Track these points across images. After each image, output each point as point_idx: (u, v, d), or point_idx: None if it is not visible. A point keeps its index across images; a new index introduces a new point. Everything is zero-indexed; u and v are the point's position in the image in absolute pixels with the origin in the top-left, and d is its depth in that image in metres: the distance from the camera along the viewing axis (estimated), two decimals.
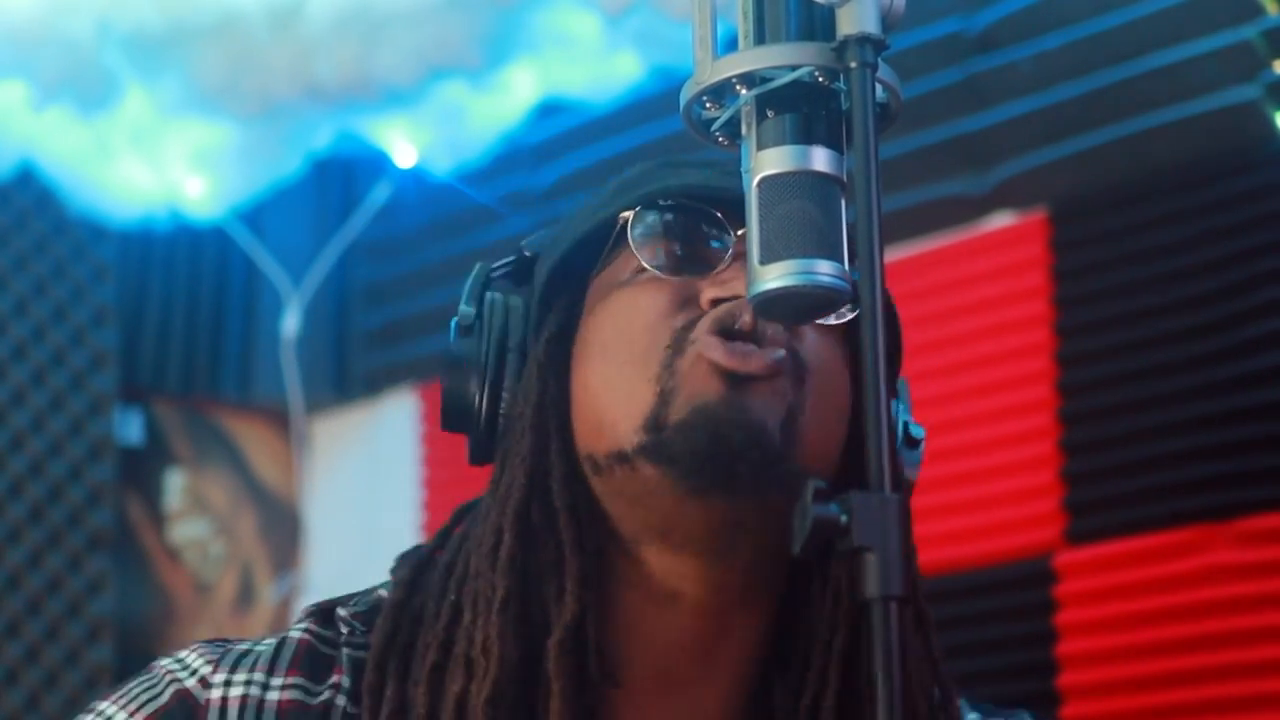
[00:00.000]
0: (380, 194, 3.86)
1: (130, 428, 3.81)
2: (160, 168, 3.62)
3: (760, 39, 1.05)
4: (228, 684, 1.14)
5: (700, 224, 1.19)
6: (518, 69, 3.43)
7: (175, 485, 3.89)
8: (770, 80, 1.04)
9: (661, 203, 1.19)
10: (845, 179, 1.04)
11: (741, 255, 1.15)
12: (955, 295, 3.01)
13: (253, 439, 3.97)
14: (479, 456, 1.20)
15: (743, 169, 1.05)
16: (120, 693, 1.18)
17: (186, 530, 3.88)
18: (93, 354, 3.72)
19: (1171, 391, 2.72)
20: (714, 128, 1.08)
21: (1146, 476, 2.73)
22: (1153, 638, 2.68)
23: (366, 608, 1.19)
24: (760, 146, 1.04)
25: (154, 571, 3.82)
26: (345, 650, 1.17)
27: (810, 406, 1.15)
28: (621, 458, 1.13)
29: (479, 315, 1.20)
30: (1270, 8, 2.68)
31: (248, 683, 1.14)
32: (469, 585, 1.14)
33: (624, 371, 1.15)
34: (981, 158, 3.00)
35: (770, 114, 1.04)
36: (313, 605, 1.21)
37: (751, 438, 1.11)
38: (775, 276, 1.02)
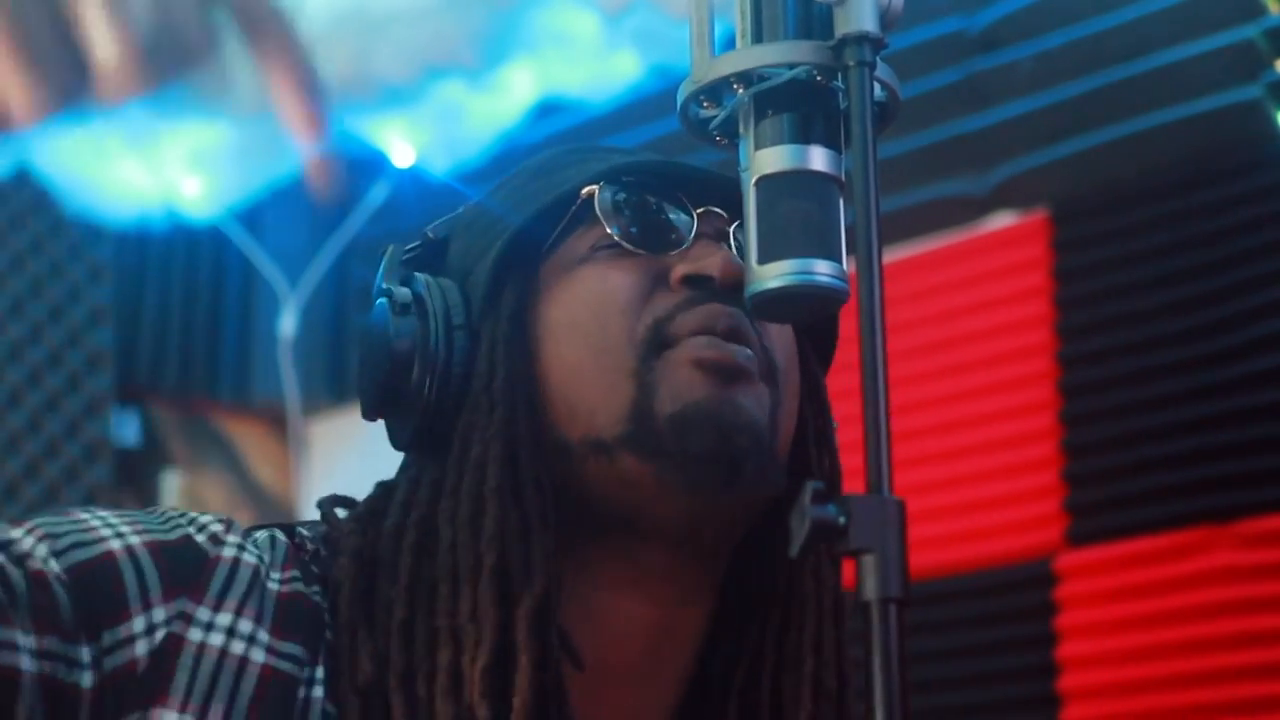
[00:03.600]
0: (378, 194, 3.86)
1: (127, 429, 3.80)
2: (157, 168, 3.62)
3: (758, 38, 1.05)
4: (241, 548, 1.10)
5: (664, 201, 1.19)
6: (516, 68, 3.43)
7: (172, 486, 3.88)
8: (768, 79, 1.04)
9: (625, 178, 1.19)
10: (844, 179, 1.04)
11: (705, 234, 1.17)
12: (956, 296, 3.00)
13: (250, 440, 3.97)
14: (418, 439, 1.16)
15: (740, 168, 1.05)
16: (123, 512, 1.12)
17: None
18: (89, 355, 3.71)
19: (1173, 392, 2.71)
20: (711, 127, 1.08)
21: (1148, 478, 2.72)
22: (1154, 640, 2.68)
23: (321, 539, 1.16)
24: (758, 146, 1.03)
25: None
26: (312, 567, 1.14)
27: (785, 402, 1.16)
28: (598, 446, 1.12)
29: (416, 295, 1.17)
30: (1271, 7, 2.68)
31: (260, 559, 1.11)
32: (442, 557, 1.12)
33: (599, 360, 1.13)
34: (982, 158, 2.99)
35: (768, 113, 1.04)
36: (276, 528, 1.17)
37: (753, 436, 1.11)
38: (774, 276, 1.01)
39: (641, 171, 1.20)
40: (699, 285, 1.15)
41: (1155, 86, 2.77)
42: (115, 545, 1.07)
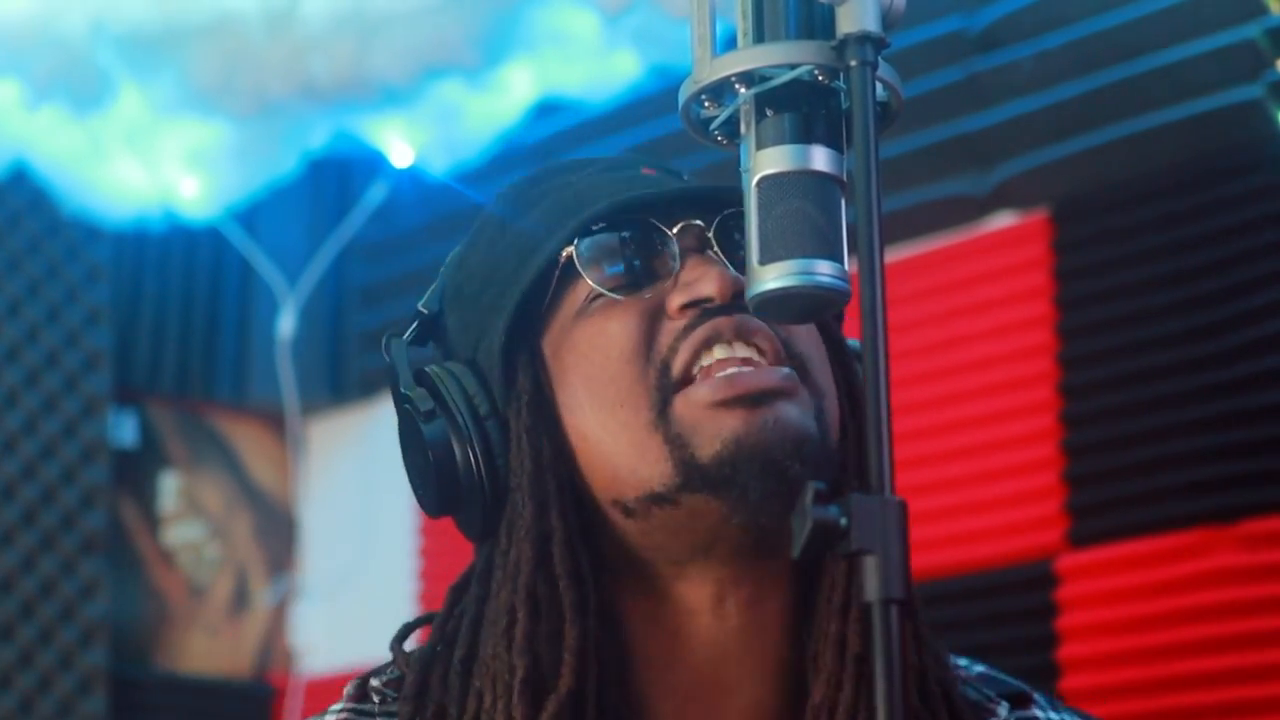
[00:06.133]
0: (376, 194, 3.85)
1: (124, 430, 3.80)
2: (155, 168, 3.61)
3: (759, 37, 1.05)
4: None
5: (639, 233, 1.18)
6: (515, 68, 3.42)
7: (170, 488, 3.87)
8: (769, 79, 1.03)
9: (595, 228, 1.18)
10: (845, 179, 1.03)
11: (690, 250, 1.17)
12: (956, 296, 2.99)
13: (248, 441, 3.96)
14: (483, 532, 1.18)
15: (741, 168, 1.04)
16: None
17: (181, 533, 3.86)
18: (87, 355, 3.70)
19: (1174, 393, 2.70)
20: (712, 127, 1.08)
21: (1149, 479, 2.72)
22: (1155, 641, 2.67)
23: (397, 676, 1.20)
24: (759, 146, 1.03)
25: (148, 574, 3.80)
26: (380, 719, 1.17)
27: (825, 390, 1.16)
28: (658, 498, 1.13)
29: (436, 395, 1.18)
30: (1273, 6, 2.67)
31: None
32: (486, 667, 1.14)
33: (618, 415, 1.14)
34: (983, 157, 2.98)
35: (769, 113, 1.03)
36: (349, 686, 1.22)
37: (804, 452, 1.12)
38: (774, 277, 1.01)
39: (610, 214, 1.19)
40: (699, 307, 1.15)
41: (1156, 86, 2.77)
42: None
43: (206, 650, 3.83)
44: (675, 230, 1.17)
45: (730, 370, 1.13)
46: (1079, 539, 2.79)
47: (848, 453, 1.19)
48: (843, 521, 0.94)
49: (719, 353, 1.14)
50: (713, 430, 1.11)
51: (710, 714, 1.17)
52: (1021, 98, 2.92)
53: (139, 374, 3.83)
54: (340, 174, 3.95)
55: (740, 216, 1.16)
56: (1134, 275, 2.78)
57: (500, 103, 3.50)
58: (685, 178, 1.25)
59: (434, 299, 1.25)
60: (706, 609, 1.16)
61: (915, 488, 2.81)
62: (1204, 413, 2.68)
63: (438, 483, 1.17)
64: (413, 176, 3.69)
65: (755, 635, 1.17)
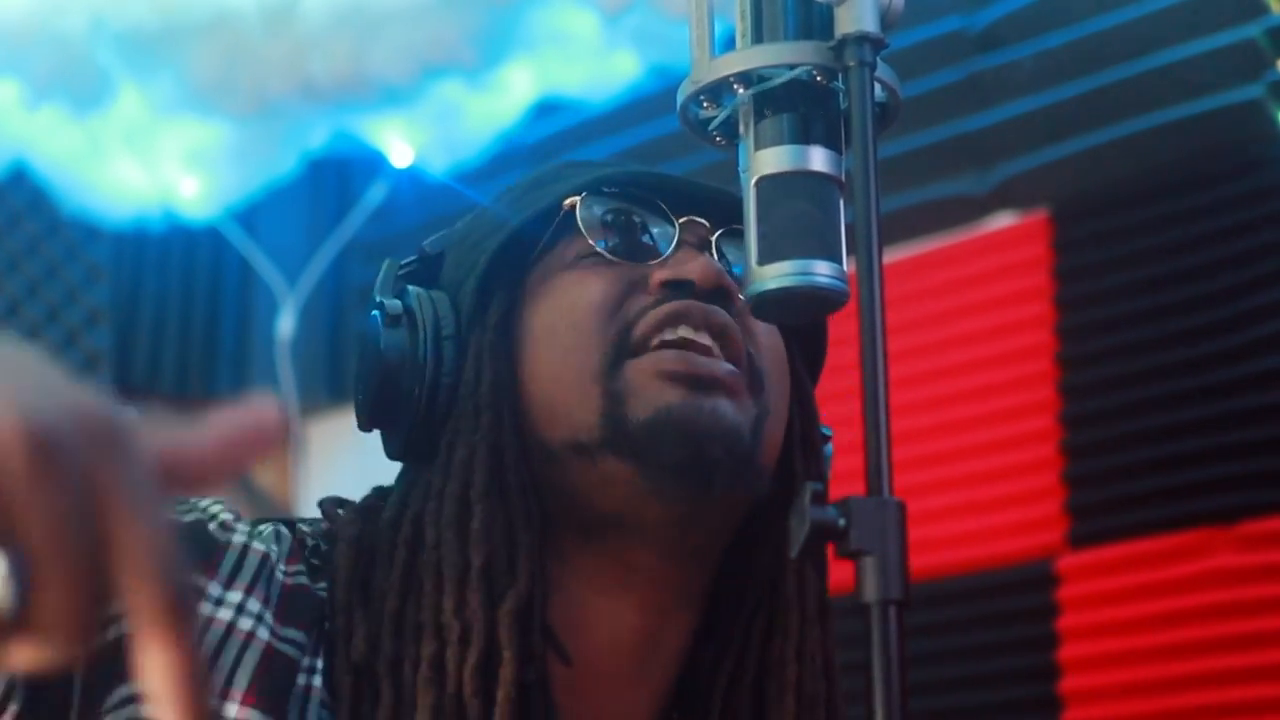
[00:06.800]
0: (376, 194, 3.85)
1: None
2: (154, 167, 3.61)
3: (758, 38, 1.04)
4: (250, 536, 1.14)
5: (645, 211, 1.20)
6: (515, 68, 3.42)
7: None
8: (768, 79, 1.03)
9: (606, 189, 1.20)
10: (844, 179, 1.03)
11: (687, 243, 1.18)
12: (956, 296, 2.99)
13: None
14: (411, 449, 1.19)
15: (740, 169, 1.04)
16: None
17: None
18: (86, 355, 3.70)
19: (1174, 393, 2.70)
20: (711, 127, 1.07)
21: (1149, 479, 2.72)
22: (1155, 642, 2.67)
23: (322, 534, 1.19)
24: (758, 146, 1.03)
25: None
26: (313, 560, 1.17)
27: (772, 408, 1.17)
28: (579, 449, 1.14)
29: (407, 308, 1.19)
30: (1273, 6, 2.67)
31: (269, 548, 1.14)
32: (426, 555, 1.14)
33: (569, 361, 1.15)
34: (983, 157, 2.98)
35: (768, 113, 1.03)
36: (275, 522, 1.20)
37: (729, 445, 1.12)
38: (774, 277, 1.01)
39: (623, 182, 1.21)
40: (678, 289, 1.16)
41: (1156, 86, 2.77)
42: None
43: None
44: (681, 220, 1.19)
45: (686, 352, 1.14)
46: (1079, 539, 2.79)
47: (780, 484, 1.18)
48: (841, 522, 0.94)
49: (682, 332, 1.14)
50: (651, 398, 1.12)
51: (593, 690, 1.17)
52: (1022, 97, 2.92)
53: (138, 374, 3.83)
54: (340, 174, 3.95)
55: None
56: (1134, 275, 2.78)
57: (500, 103, 3.50)
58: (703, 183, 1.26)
59: (438, 241, 1.26)
60: (609, 594, 1.16)
61: (915, 488, 2.81)
62: (1204, 413, 2.68)
63: (378, 390, 1.18)
64: (412, 176, 3.69)
65: (651, 641, 1.18)
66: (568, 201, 1.20)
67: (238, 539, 1.12)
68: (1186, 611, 2.65)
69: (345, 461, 4.01)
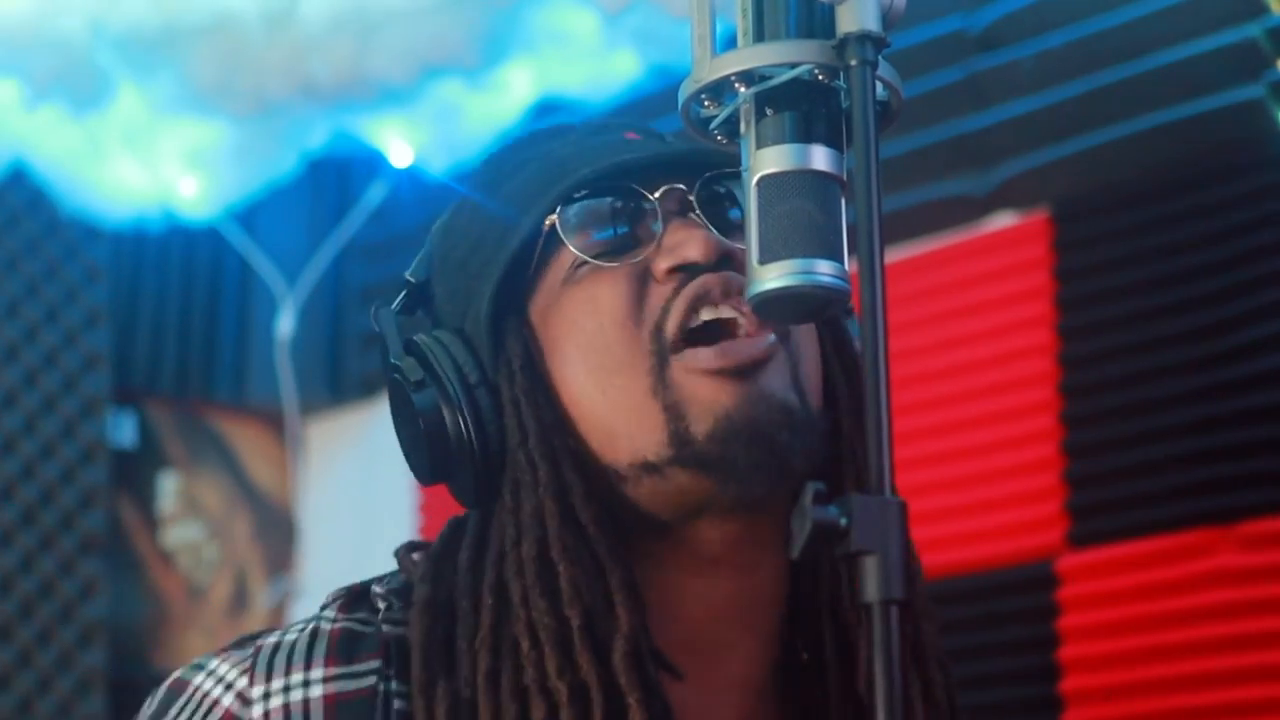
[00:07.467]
0: (376, 194, 3.85)
1: (123, 430, 3.79)
2: (153, 167, 3.61)
3: (759, 37, 1.04)
4: (267, 696, 1.13)
5: (620, 198, 1.19)
6: (515, 67, 3.42)
7: (168, 488, 3.87)
8: (769, 78, 1.03)
9: (576, 196, 1.19)
10: (845, 178, 1.03)
11: (671, 213, 1.18)
12: (956, 296, 2.99)
13: (247, 441, 3.96)
14: (477, 497, 1.19)
15: (742, 168, 1.04)
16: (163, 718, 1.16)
17: (180, 534, 3.86)
18: (85, 356, 3.70)
19: (1175, 393, 2.70)
20: (713, 126, 1.07)
21: (1149, 479, 2.71)
22: (1155, 642, 2.67)
23: (399, 585, 1.19)
24: (759, 145, 1.03)
25: (147, 575, 3.80)
26: (385, 626, 1.17)
27: (804, 355, 1.18)
28: (649, 468, 1.15)
29: (424, 364, 1.18)
30: (1273, 6, 2.66)
31: (287, 689, 1.13)
32: (516, 611, 1.13)
33: (615, 381, 1.15)
34: (983, 157, 2.98)
35: (769, 112, 1.03)
36: (338, 591, 1.21)
37: (789, 423, 1.13)
38: (774, 276, 1.01)
39: (591, 181, 1.20)
40: (685, 270, 1.16)
41: (1156, 86, 2.76)
42: None
43: (206, 651, 3.83)
44: (657, 195, 1.18)
45: (722, 343, 1.14)
46: (1079, 539, 2.79)
47: (838, 422, 1.20)
48: (843, 521, 0.94)
49: (705, 314, 1.15)
50: (708, 402, 1.13)
51: (708, 667, 1.18)
52: (1022, 97, 2.92)
53: (138, 374, 3.83)
54: (340, 174, 3.95)
55: (722, 177, 1.18)
56: (1134, 275, 2.78)
57: (500, 103, 3.50)
58: (668, 139, 1.25)
59: (421, 267, 1.26)
60: (699, 572, 1.17)
61: (915, 488, 2.81)
62: (1204, 413, 2.67)
63: (429, 450, 1.18)
64: (412, 176, 3.68)
65: (748, 599, 1.19)
66: (547, 221, 1.18)
67: (256, 711, 1.13)
68: (1187, 612, 2.64)
69: (345, 461, 4.02)
